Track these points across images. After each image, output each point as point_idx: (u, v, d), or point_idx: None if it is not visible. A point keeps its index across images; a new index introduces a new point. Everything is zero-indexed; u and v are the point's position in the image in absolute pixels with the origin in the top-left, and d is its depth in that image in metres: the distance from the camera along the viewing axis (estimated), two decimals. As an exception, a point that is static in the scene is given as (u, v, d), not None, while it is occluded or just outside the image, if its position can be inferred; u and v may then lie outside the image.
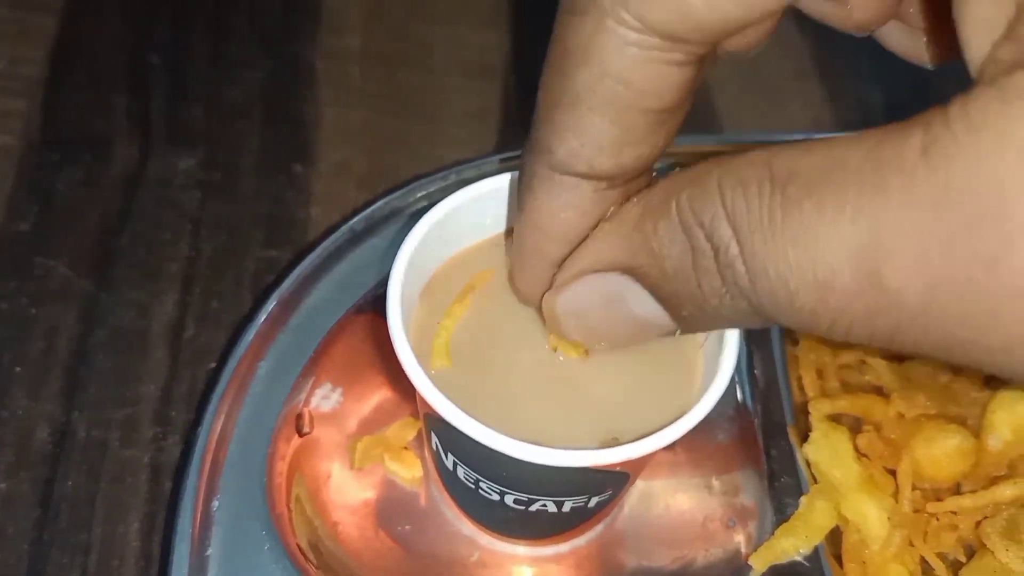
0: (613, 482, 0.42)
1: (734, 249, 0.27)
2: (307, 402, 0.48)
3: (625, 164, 0.32)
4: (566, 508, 0.43)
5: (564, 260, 0.35)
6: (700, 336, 0.43)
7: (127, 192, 0.60)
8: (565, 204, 0.34)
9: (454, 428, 0.39)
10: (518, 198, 0.36)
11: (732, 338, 0.40)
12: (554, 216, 0.34)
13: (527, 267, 0.37)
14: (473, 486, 0.43)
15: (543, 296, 0.36)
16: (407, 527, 0.49)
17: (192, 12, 0.70)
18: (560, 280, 0.35)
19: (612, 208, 0.33)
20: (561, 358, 0.41)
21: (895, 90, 0.74)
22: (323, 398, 0.50)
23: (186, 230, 0.59)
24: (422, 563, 0.48)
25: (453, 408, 0.37)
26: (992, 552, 0.43)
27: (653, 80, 0.30)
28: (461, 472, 0.43)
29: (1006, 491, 0.45)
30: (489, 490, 0.42)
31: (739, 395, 0.51)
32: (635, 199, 0.31)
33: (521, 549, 0.49)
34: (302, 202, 0.61)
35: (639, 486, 0.51)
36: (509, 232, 0.45)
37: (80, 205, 0.60)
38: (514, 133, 0.66)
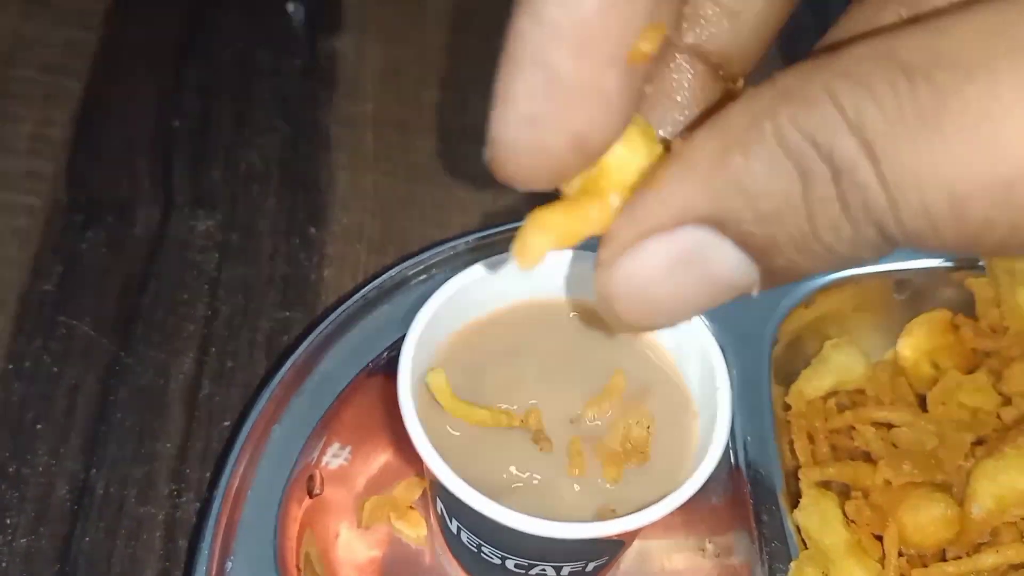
0: (609, 549, 0.44)
1: (864, 165, 0.23)
2: (318, 463, 0.51)
3: None
4: (564, 572, 0.45)
5: (574, 84, 0.26)
6: (696, 405, 0.45)
7: (149, 253, 0.63)
8: None
9: (458, 498, 0.41)
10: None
11: (724, 407, 0.42)
12: (568, 5, 0.25)
13: (520, 87, 0.26)
14: (476, 550, 0.45)
15: (596, 274, 0.29)
16: (410, 584, 0.51)
17: (215, 78, 0.73)
18: (616, 249, 0.28)
19: (673, 147, 0.27)
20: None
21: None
22: (333, 457, 0.52)
23: (204, 291, 0.62)
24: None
25: (457, 480, 0.39)
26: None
27: None
28: (464, 536, 0.45)
29: (987, 559, 0.47)
30: (491, 554, 0.44)
31: (732, 459, 0.53)
32: (704, 133, 0.26)
33: (521, 608, 0.50)
34: (315, 264, 0.64)
35: (635, 547, 0.53)
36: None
37: (103, 265, 0.62)
38: (518, 197, 0.69)
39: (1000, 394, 0.55)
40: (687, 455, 0.44)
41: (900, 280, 0.61)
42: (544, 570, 0.44)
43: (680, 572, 0.52)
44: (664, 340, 0.47)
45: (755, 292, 0.27)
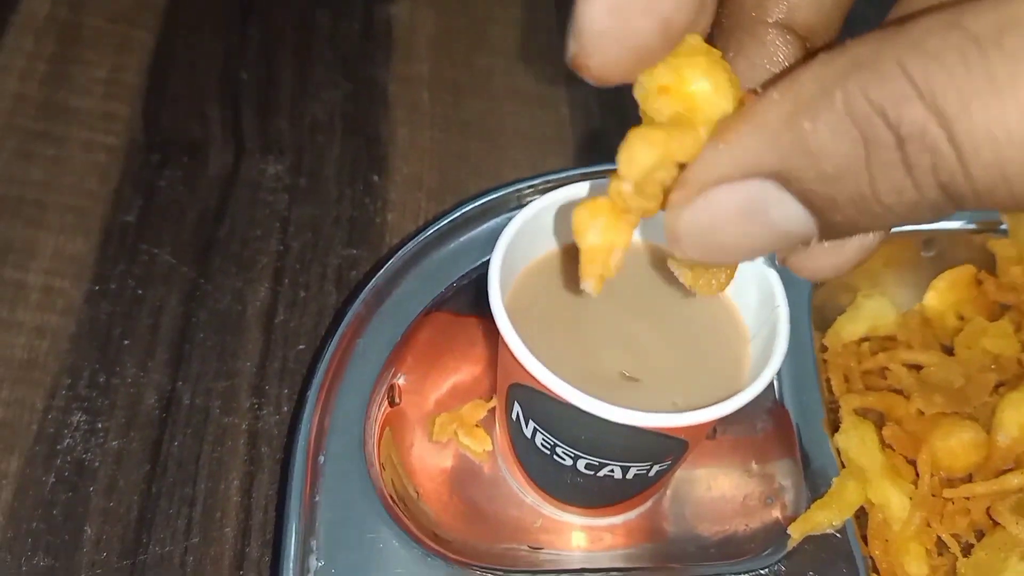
0: (674, 450, 0.48)
1: (934, 130, 0.24)
2: (395, 376, 0.54)
3: None
4: (630, 475, 0.49)
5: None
6: (749, 331, 0.49)
7: (222, 192, 0.67)
8: None
9: (542, 393, 0.45)
10: None
11: (783, 323, 0.46)
12: None
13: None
14: (549, 452, 0.49)
15: (666, 215, 0.32)
16: (478, 494, 0.55)
17: (278, 35, 0.77)
18: (687, 192, 0.31)
19: (747, 102, 0.30)
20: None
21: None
22: (408, 376, 0.55)
23: (275, 228, 0.65)
24: (490, 526, 0.54)
25: (548, 373, 0.43)
26: (1004, 527, 0.49)
27: None
28: (539, 439, 0.49)
29: (1014, 480, 0.51)
30: (564, 455, 0.48)
31: (776, 394, 0.57)
32: (775, 95, 0.28)
33: (579, 519, 0.54)
34: (379, 208, 0.68)
35: (682, 474, 0.57)
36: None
37: (180, 201, 0.66)
38: (565, 155, 0.73)
39: (1021, 342, 0.60)
40: (742, 373, 0.48)
41: (928, 239, 0.65)
42: (612, 471, 0.48)
43: (727, 491, 0.56)
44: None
45: (813, 244, 0.30)
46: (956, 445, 0.53)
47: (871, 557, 0.51)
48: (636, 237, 0.52)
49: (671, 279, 0.51)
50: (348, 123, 0.73)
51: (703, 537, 0.54)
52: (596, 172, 0.61)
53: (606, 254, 0.36)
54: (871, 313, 0.61)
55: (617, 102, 0.77)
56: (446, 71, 0.78)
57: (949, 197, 0.26)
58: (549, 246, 0.51)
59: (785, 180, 0.28)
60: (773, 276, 0.49)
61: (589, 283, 0.38)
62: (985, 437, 0.53)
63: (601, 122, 0.76)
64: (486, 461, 0.56)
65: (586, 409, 0.43)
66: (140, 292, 0.61)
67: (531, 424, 0.49)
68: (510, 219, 0.47)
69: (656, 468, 0.49)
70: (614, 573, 0.50)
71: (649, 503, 0.55)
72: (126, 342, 0.59)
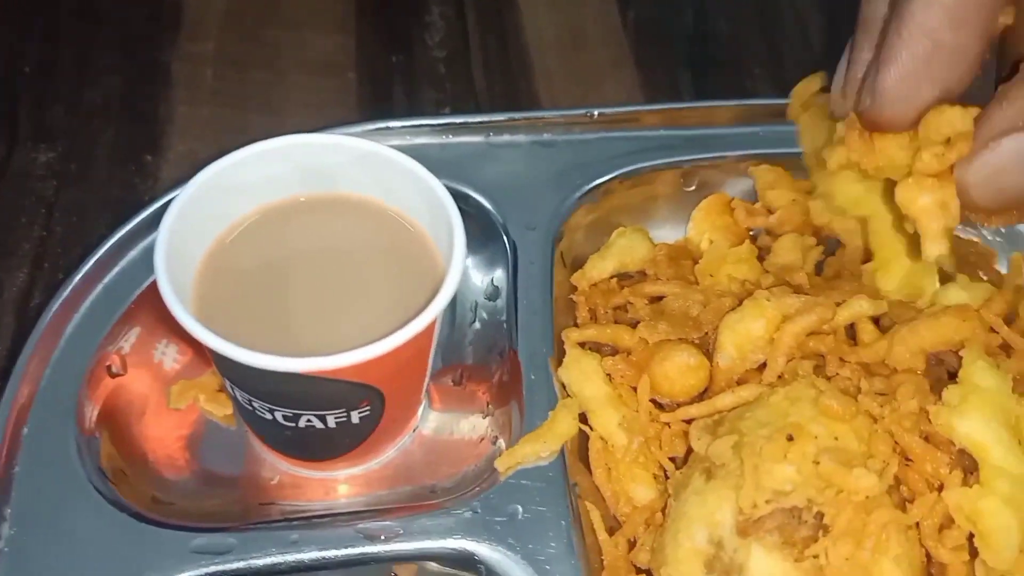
0: (366, 396, 0.48)
1: None
2: (119, 349, 0.55)
3: None
4: (331, 424, 0.49)
5: (951, 49, 0.36)
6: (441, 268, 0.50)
7: (-10, 184, 0.67)
8: None
9: (211, 350, 0.45)
10: None
11: (448, 286, 0.47)
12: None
13: (907, 51, 0.37)
14: (250, 408, 0.50)
15: (956, 168, 0.38)
16: (217, 457, 0.55)
17: (60, 25, 0.77)
18: (977, 145, 0.36)
19: (1022, 69, 0.36)
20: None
21: (706, 77, 0.81)
22: (137, 349, 0.56)
23: (40, 214, 0.66)
24: (228, 486, 0.54)
25: (195, 323, 0.44)
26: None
27: None
28: (239, 395, 0.49)
29: (725, 399, 0.52)
30: (261, 408, 0.49)
31: (511, 342, 0.57)
32: None
33: (316, 473, 0.55)
34: (149, 188, 0.69)
35: (430, 421, 0.58)
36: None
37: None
38: (349, 119, 0.74)
39: (767, 271, 0.60)
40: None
41: (687, 172, 0.66)
42: (311, 421, 0.49)
43: (464, 433, 0.57)
44: (422, 219, 0.52)
45: None
46: (671, 369, 0.53)
47: (576, 484, 0.51)
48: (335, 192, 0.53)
49: (363, 232, 0.52)
50: (126, 106, 0.73)
51: (437, 482, 0.55)
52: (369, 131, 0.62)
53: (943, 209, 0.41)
54: (621, 249, 0.61)
55: (406, 64, 0.78)
56: (233, 46, 0.78)
57: None
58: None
59: None
60: (454, 215, 0.49)
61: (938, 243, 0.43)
62: (702, 360, 0.53)
63: (386, 88, 0.77)
64: (231, 425, 0.57)
65: (231, 356, 0.44)
66: None
67: (227, 382, 0.50)
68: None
69: (357, 414, 0.50)
70: (330, 519, 0.51)
71: (391, 452, 0.56)
72: None
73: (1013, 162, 0.36)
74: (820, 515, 0.43)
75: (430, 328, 0.48)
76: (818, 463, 0.43)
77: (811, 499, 0.43)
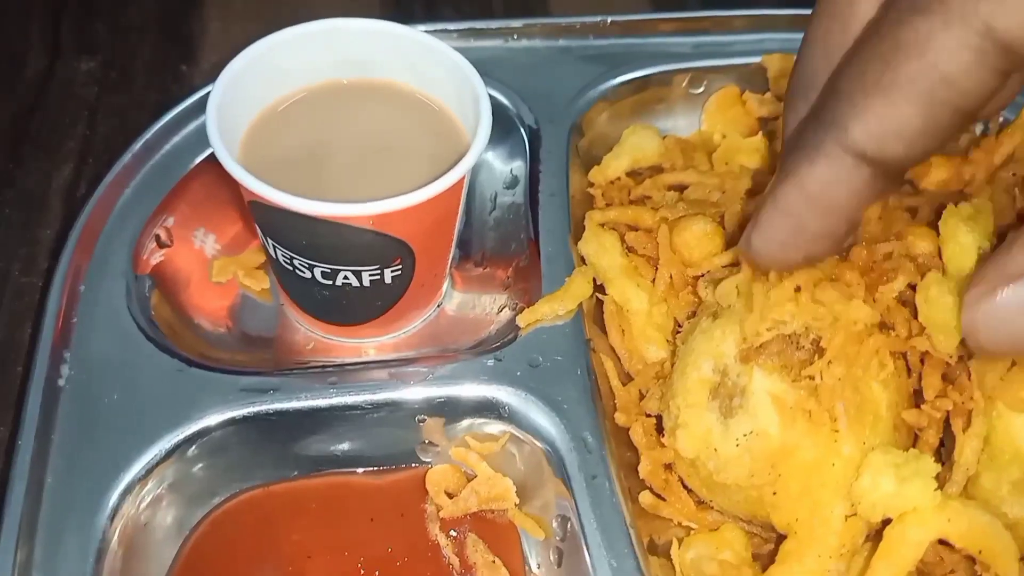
0: (397, 252, 0.52)
1: None
2: (166, 223, 0.59)
3: (913, 155, 0.36)
4: (366, 281, 0.53)
5: (815, 232, 0.38)
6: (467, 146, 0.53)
7: (37, 90, 0.71)
8: (842, 181, 0.36)
9: (258, 203, 0.50)
10: (787, 161, 0.38)
11: (482, 135, 0.51)
12: (827, 188, 0.37)
13: (776, 225, 0.39)
14: (290, 267, 0.53)
15: (963, 311, 0.36)
16: (255, 325, 0.59)
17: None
18: (984, 289, 0.35)
19: None
20: None
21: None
22: (184, 227, 0.60)
23: (84, 116, 0.70)
24: (266, 347, 0.58)
25: (244, 172, 0.48)
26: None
27: (975, 84, 0.33)
28: (280, 255, 0.53)
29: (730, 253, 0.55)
30: (301, 267, 0.53)
31: (530, 233, 0.61)
32: None
33: (349, 340, 0.59)
34: (185, 93, 0.72)
35: (458, 297, 0.62)
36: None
37: (-3, 101, 0.71)
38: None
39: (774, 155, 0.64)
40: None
41: (695, 75, 0.69)
42: (347, 278, 0.53)
43: (486, 307, 0.60)
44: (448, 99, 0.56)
45: None
46: (691, 237, 0.56)
47: (592, 340, 0.55)
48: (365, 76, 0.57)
49: (396, 114, 0.56)
50: (162, 23, 0.77)
51: (460, 344, 0.58)
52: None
53: None
54: (633, 146, 0.65)
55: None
56: (261, -30, 0.82)
57: None
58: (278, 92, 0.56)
59: None
60: (483, 96, 0.53)
61: None
62: (717, 227, 0.56)
63: (407, 5, 0.81)
64: (267, 300, 0.61)
65: (278, 203, 0.48)
66: (-48, 180, 0.66)
67: (270, 241, 0.53)
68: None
69: (390, 273, 0.54)
70: (363, 366, 0.55)
71: (418, 323, 0.60)
72: (-63, 220, 0.64)
73: (1020, 311, 0.35)
74: (816, 341, 0.46)
75: (457, 187, 0.52)
76: (818, 293, 0.47)
77: (809, 326, 0.46)
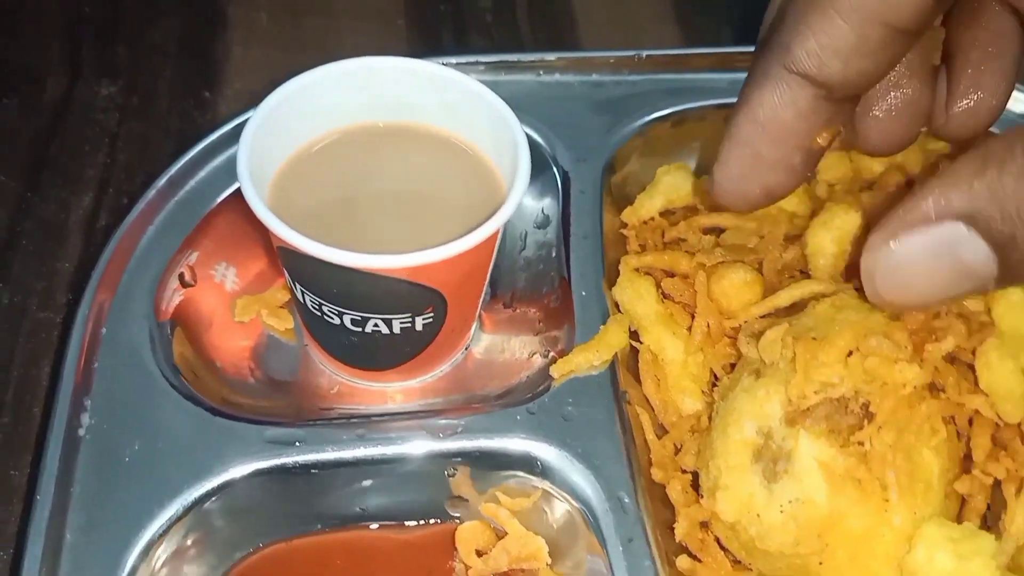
0: (431, 301, 0.51)
1: None
2: (189, 261, 0.57)
3: (849, 75, 0.38)
4: (396, 329, 0.52)
5: (770, 161, 0.41)
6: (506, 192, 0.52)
7: (56, 114, 0.70)
8: (787, 102, 0.39)
9: (287, 249, 0.48)
10: (741, 93, 0.41)
11: (514, 196, 0.49)
12: (775, 112, 0.39)
13: (734, 157, 0.42)
14: (319, 312, 0.52)
15: (862, 257, 0.37)
16: (279, 367, 0.58)
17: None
18: (884, 235, 0.36)
19: (940, 166, 0.39)
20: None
21: (747, 33, 0.83)
22: (206, 264, 0.59)
23: (104, 143, 0.69)
24: (290, 392, 0.57)
25: (277, 221, 0.46)
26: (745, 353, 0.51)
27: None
28: (309, 300, 0.52)
29: (781, 296, 0.53)
30: (331, 313, 0.51)
31: (564, 272, 0.59)
32: (967, 155, 0.34)
33: (375, 384, 0.57)
34: (208, 121, 0.71)
35: (486, 339, 0.60)
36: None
37: (13, 125, 0.69)
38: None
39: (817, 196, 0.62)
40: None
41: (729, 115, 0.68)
42: (377, 325, 0.51)
43: (515, 351, 0.59)
44: (483, 143, 0.54)
45: (991, 287, 0.35)
46: (729, 286, 0.55)
47: (627, 391, 0.53)
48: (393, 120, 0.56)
49: (431, 160, 0.55)
50: (183, 46, 0.76)
51: (489, 391, 0.57)
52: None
53: None
54: (667, 187, 0.63)
55: (455, 12, 0.80)
56: (286, -7, 0.81)
57: None
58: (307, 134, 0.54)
59: (973, 220, 0.34)
60: (521, 141, 0.52)
61: None
62: (757, 276, 0.55)
63: (435, 35, 0.79)
64: (291, 340, 0.59)
65: (311, 253, 0.46)
66: (-30, 210, 0.64)
67: (299, 287, 0.52)
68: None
69: (421, 321, 0.52)
70: (391, 417, 0.53)
71: (446, 367, 0.58)
72: (-46, 253, 0.62)
73: (921, 258, 0.36)
74: (866, 405, 0.45)
75: (493, 238, 0.50)
76: (865, 357, 0.45)
77: (858, 390, 0.45)
